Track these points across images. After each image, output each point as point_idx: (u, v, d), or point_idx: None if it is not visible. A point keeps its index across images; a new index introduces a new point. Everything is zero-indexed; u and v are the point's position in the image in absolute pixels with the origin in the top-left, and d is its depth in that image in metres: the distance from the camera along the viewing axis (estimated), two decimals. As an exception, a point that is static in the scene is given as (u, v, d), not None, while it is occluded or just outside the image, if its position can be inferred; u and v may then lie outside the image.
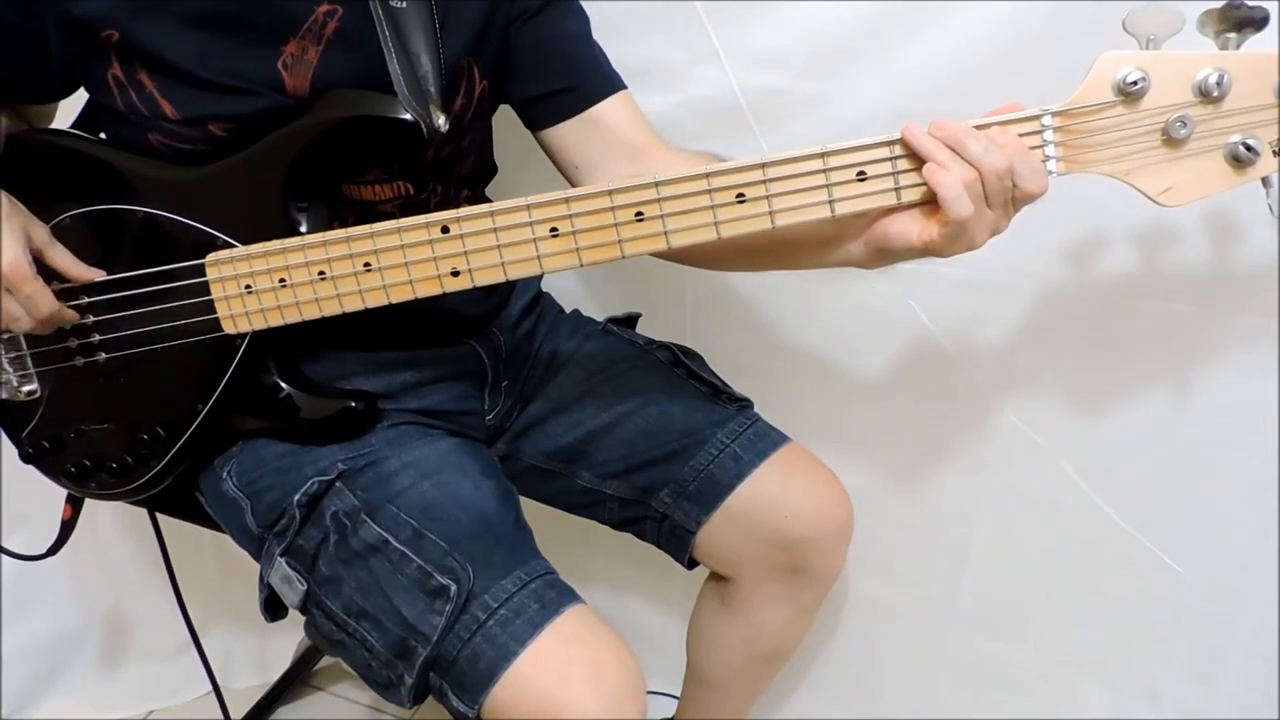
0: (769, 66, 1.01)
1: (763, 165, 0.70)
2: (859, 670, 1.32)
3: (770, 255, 0.86)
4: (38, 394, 0.90)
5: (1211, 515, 1.03)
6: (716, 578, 1.05)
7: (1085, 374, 1.04)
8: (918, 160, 0.70)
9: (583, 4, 0.94)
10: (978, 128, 0.69)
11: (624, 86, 0.92)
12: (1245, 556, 1.03)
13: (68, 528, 1.01)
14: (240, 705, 1.39)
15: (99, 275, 0.83)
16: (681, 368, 1.02)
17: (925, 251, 0.72)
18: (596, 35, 0.94)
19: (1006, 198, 0.69)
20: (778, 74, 1.01)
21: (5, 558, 1.03)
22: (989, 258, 0.99)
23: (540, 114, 0.92)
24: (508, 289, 1.02)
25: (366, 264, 0.77)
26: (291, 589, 0.82)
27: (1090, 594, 1.13)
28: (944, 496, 1.17)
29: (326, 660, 1.53)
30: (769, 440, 0.97)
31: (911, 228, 0.71)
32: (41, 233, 0.81)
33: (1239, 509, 1.02)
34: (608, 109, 0.90)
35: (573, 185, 0.93)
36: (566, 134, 0.91)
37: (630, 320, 1.09)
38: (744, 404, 1.01)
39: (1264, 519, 1.00)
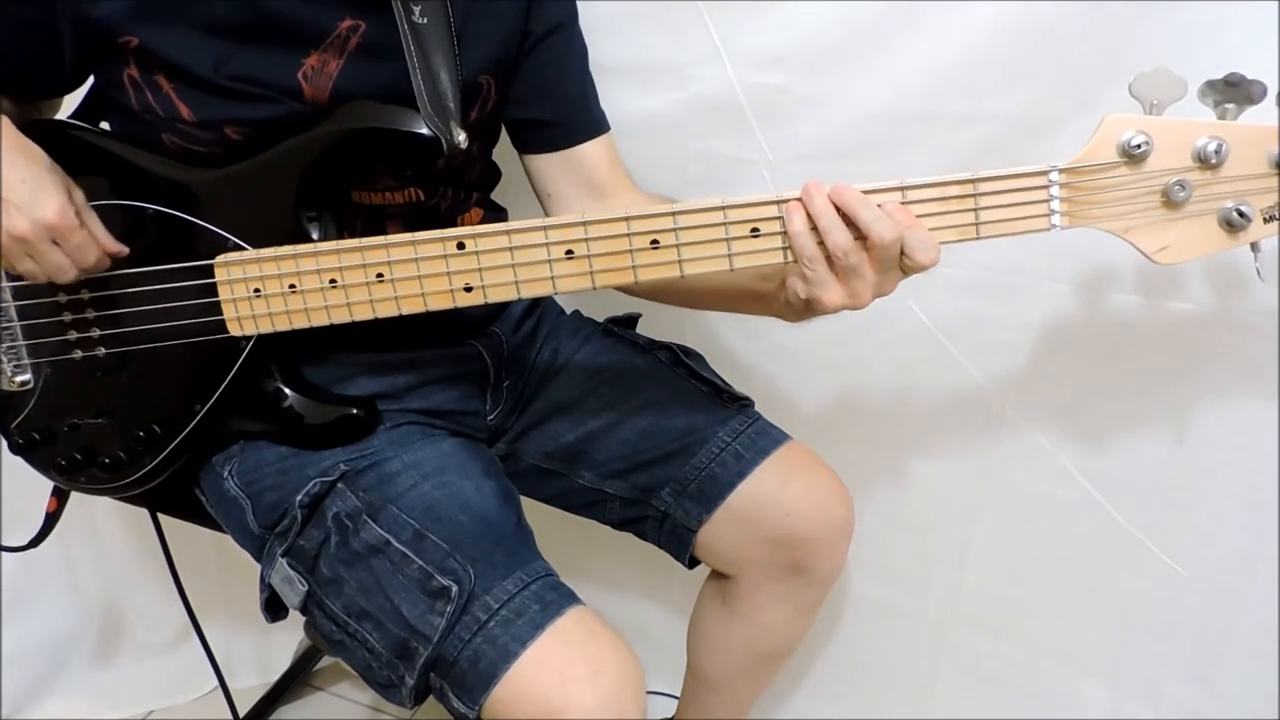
0: (769, 66, 1.01)
1: (778, 203, 0.72)
2: (859, 670, 1.32)
3: (710, 299, 0.92)
4: (31, 384, 0.89)
5: (1211, 515, 1.03)
6: (717, 577, 1.05)
7: (1086, 373, 1.04)
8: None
9: (584, 3, 0.95)
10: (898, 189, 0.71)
11: (608, 129, 0.96)
12: (1245, 556, 1.03)
13: (51, 520, 1.01)
14: (241, 705, 1.38)
15: (124, 250, 0.83)
16: (682, 367, 1.02)
17: (808, 309, 0.75)
18: (597, 33, 0.94)
19: (894, 265, 0.72)
20: (778, 73, 1.01)
21: (4, 559, 1.02)
22: (989, 258, 1.00)
23: (527, 139, 0.96)
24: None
25: (379, 274, 0.78)
26: (292, 589, 0.82)
27: (1090, 594, 1.13)
28: (944, 495, 1.17)
29: (326, 660, 1.53)
30: (770, 439, 0.97)
31: (798, 283, 0.74)
32: (80, 195, 0.81)
33: (1239, 509, 1.02)
34: (589, 150, 0.95)
35: (543, 209, 0.98)
36: (547, 164, 0.95)
37: (630, 320, 1.09)
38: (744, 403, 1.01)
39: (1264, 519, 1.00)
